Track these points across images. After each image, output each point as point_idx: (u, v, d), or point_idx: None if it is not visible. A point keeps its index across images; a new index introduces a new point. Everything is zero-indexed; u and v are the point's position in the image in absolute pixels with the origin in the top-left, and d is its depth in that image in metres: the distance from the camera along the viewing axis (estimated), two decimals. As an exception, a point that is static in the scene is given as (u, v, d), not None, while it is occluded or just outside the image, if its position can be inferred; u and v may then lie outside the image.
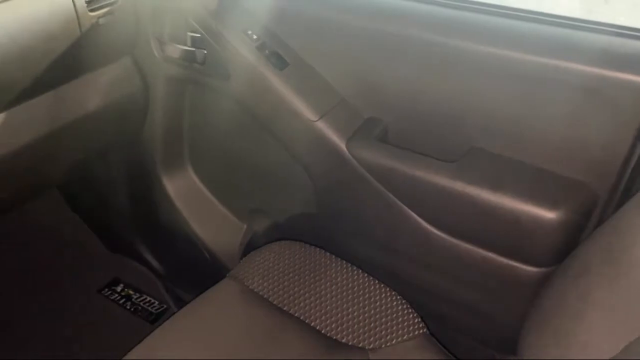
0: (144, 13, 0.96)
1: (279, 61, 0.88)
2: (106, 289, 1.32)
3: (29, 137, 0.88)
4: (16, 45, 0.79)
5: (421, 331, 0.78)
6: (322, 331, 0.78)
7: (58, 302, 1.28)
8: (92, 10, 0.87)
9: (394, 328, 0.78)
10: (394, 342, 0.76)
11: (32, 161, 0.93)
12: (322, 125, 0.86)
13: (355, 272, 0.84)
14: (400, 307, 0.80)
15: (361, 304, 0.80)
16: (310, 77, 0.89)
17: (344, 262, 0.85)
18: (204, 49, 0.93)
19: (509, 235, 0.76)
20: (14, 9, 0.77)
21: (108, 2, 0.89)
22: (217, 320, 0.79)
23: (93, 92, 0.97)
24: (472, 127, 0.80)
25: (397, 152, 0.83)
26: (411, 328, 0.78)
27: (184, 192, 1.17)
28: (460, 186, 0.77)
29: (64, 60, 0.87)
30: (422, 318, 0.80)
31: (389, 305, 0.80)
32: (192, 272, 1.25)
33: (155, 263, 1.33)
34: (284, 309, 0.80)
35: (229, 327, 0.78)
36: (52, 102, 0.90)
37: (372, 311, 0.79)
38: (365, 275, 0.84)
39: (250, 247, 1.07)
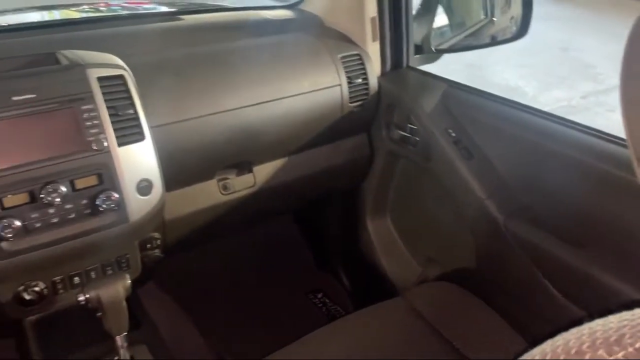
0: (381, 106, 1.37)
1: (467, 154, 1.19)
2: (310, 294, 1.69)
3: (295, 175, 1.34)
4: (303, 119, 1.25)
5: None
6: (460, 350, 1.06)
7: (275, 299, 1.65)
8: (351, 102, 1.31)
9: None
10: None
11: (292, 192, 1.38)
12: (488, 203, 1.15)
13: (490, 312, 1.12)
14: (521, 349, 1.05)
15: (489, 337, 1.08)
16: (487, 167, 1.19)
17: (484, 303, 1.13)
18: (417, 137, 1.28)
19: None
20: (310, 99, 1.24)
21: (362, 98, 1.32)
22: (378, 322, 1.12)
23: (338, 154, 1.40)
24: (600, 222, 1.02)
25: (540, 234, 1.07)
26: None
27: (381, 235, 1.52)
28: (585, 266, 0.99)
29: (327, 131, 1.31)
30: None
31: (512, 344, 1.06)
32: (373, 294, 1.55)
33: (347, 282, 1.70)
34: (436, 327, 1.09)
35: (385, 328, 1.09)
36: (313, 156, 1.35)
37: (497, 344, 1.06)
38: (498, 316, 1.11)
39: (421, 285, 1.38)
